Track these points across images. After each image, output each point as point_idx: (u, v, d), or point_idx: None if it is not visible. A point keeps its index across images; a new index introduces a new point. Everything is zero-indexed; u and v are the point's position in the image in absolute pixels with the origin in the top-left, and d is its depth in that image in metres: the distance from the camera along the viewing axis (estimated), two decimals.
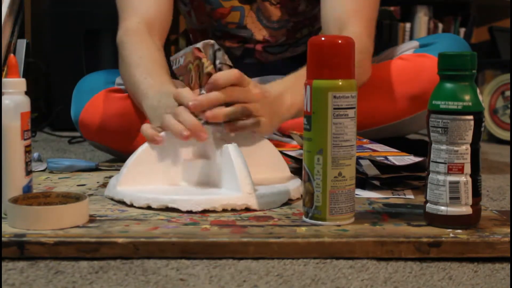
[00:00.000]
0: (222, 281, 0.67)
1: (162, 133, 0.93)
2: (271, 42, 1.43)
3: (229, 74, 0.92)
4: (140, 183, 0.92)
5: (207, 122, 0.93)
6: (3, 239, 0.72)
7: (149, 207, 0.87)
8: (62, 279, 0.66)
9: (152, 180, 0.93)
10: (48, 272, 0.68)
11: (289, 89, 1.03)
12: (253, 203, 0.86)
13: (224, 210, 0.86)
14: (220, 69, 0.94)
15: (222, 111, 0.91)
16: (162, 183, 0.93)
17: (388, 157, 1.03)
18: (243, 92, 0.93)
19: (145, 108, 1.08)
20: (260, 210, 0.87)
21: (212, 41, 0.95)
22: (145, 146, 0.94)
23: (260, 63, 1.46)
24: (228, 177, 0.89)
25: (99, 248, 0.72)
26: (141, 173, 0.93)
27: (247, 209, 0.86)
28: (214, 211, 0.85)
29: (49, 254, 0.72)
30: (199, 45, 0.95)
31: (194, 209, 0.85)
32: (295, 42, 1.46)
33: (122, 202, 0.90)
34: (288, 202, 0.92)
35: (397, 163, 1.01)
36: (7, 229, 0.76)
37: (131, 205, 0.88)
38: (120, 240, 0.73)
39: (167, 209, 0.86)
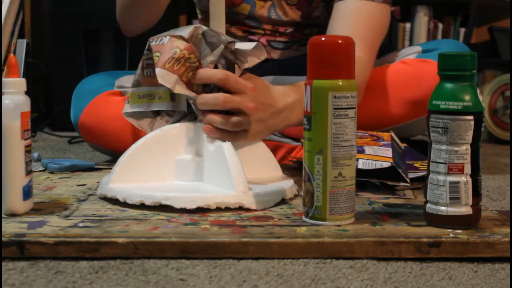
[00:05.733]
0: (222, 281, 0.67)
1: (162, 128, 0.94)
2: (277, 34, 1.43)
3: (214, 74, 0.93)
4: (133, 180, 0.92)
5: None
6: (3, 239, 0.72)
7: (142, 204, 0.87)
8: (62, 279, 0.66)
9: (145, 177, 0.93)
10: (48, 272, 0.68)
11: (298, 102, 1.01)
12: (247, 201, 0.86)
13: (218, 208, 0.86)
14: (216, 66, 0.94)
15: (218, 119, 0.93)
16: (155, 180, 0.93)
17: (360, 159, 1.01)
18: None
19: None
20: (254, 209, 0.87)
21: (201, 30, 0.94)
22: (138, 144, 0.94)
23: (265, 60, 1.46)
24: (222, 175, 0.89)
25: (99, 248, 0.72)
26: (134, 171, 0.93)
27: (241, 208, 0.86)
28: (209, 210, 0.85)
29: (49, 254, 0.72)
30: (187, 34, 0.94)
31: (188, 207, 0.85)
32: (302, 40, 1.45)
33: (114, 200, 0.90)
34: (285, 202, 0.92)
35: (360, 166, 1.00)
36: (7, 229, 0.76)
37: (124, 203, 0.88)
38: (120, 240, 0.73)
39: (164, 207, 0.86)
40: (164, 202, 0.86)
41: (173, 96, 0.98)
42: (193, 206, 0.85)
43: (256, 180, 0.94)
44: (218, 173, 0.90)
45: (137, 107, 0.98)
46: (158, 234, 0.75)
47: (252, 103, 0.93)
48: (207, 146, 0.93)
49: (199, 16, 1.54)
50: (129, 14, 1.28)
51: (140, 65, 0.98)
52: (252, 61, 0.96)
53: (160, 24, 1.33)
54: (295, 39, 1.44)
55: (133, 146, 0.94)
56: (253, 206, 0.87)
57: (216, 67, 0.94)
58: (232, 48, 0.94)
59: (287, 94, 1.01)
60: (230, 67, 0.94)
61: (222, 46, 0.93)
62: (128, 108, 0.99)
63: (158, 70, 0.93)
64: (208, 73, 0.93)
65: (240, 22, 1.42)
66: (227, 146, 0.90)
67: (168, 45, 0.94)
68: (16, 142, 0.81)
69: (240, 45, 0.94)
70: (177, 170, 0.95)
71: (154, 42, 0.96)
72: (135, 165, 0.93)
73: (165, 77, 0.92)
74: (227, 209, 0.86)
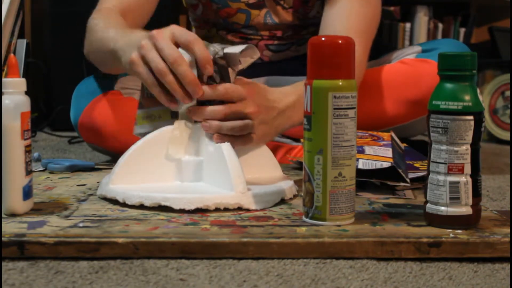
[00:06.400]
0: (222, 281, 0.67)
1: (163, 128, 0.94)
2: (275, 38, 1.43)
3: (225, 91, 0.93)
4: (132, 181, 0.92)
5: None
6: (3, 239, 0.72)
7: (141, 205, 0.87)
8: (62, 279, 0.66)
9: (145, 178, 0.93)
10: (48, 272, 0.68)
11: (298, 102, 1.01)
12: (245, 202, 0.86)
13: (218, 209, 0.86)
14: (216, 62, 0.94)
15: (219, 125, 0.92)
16: (155, 181, 0.93)
17: (360, 159, 1.01)
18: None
19: (119, 46, 1.02)
20: (253, 210, 0.86)
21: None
22: (137, 145, 0.94)
23: (262, 62, 1.46)
24: (221, 176, 0.89)
25: (99, 248, 0.72)
26: (134, 171, 0.93)
27: (240, 209, 0.86)
28: (209, 210, 0.85)
29: (49, 254, 0.72)
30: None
31: (186, 207, 0.85)
32: (299, 40, 1.45)
33: (114, 200, 0.90)
34: (284, 202, 0.92)
35: (360, 166, 1.00)
36: (7, 229, 0.76)
37: (124, 203, 0.88)
38: (120, 240, 0.73)
39: (164, 207, 0.85)
40: (163, 203, 0.86)
41: (173, 114, 0.98)
42: (192, 207, 0.85)
43: (256, 180, 0.94)
44: (217, 173, 0.90)
45: (142, 128, 0.99)
46: (158, 234, 0.75)
47: (252, 107, 0.93)
48: (206, 146, 0.93)
49: (193, 24, 1.54)
50: (96, 60, 1.25)
51: (141, 86, 0.98)
52: (246, 62, 0.96)
53: (161, 25, 1.33)
54: (293, 40, 1.44)
55: (133, 147, 0.94)
56: (252, 207, 0.87)
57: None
58: (221, 54, 0.93)
59: (287, 94, 1.01)
60: (223, 71, 0.94)
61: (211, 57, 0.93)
62: (136, 129, 1.00)
63: None
64: (209, 92, 0.93)
65: (237, 30, 1.42)
66: (226, 147, 0.90)
67: None
68: (16, 142, 0.81)
69: (229, 49, 0.94)
70: (177, 171, 0.95)
71: None
72: (135, 166, 0.93)
73: None
74: (227, 209, 0.86)
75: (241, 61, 0.94)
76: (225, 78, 0.93)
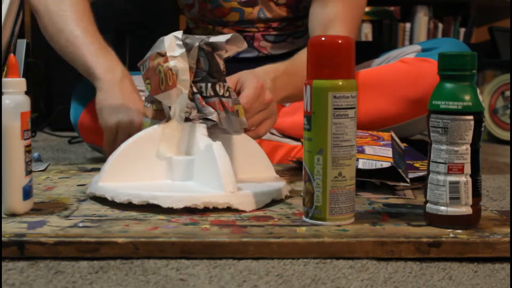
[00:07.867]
0: (222, 281, 0.67)
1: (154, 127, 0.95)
2: (271, 29, 1.44)
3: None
4: (122, 179, 0.92)
5: (188, 119, 0.95)
6: (3, 239, 0.72)
7: (130, 203, 0.86)
8: (62, 279, 0.66)
9: (135, 176, 0.92)
10: (48, 272, 0.68)
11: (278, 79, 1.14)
12: (235, 202, 0.85)
13: (216, 208, 0.85)
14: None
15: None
16: (145, 179, 0.93)
17: (360, 159, 1.01)
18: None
19: (99, 97, 1.15)
20: (242, 210, 0.85)
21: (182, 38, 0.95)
22: (128, 142, 0.94)
23: (258, 57, 1.46)
24: (211, 175, 0.88)
25: (99, 248, 0.72)
26: (124, 169, 0.92)
27: (229, 208, 0.85)
28: (209, 210, 0.85)
29: (49, 254, 0.72)
30: (164, 48, 0.95)
31: (175, 206, 0.84)
32: (296, 32, 1.46)
33: (103, 198, 0.89)
34: (278, 202, 0.91)
35: (360, 166, 0.99)
36: (7, 229, 0.76)
37: (112, 201, 0.88)
38: (120, 240, 0.73)
39: (164, 208, 0.85)
40: (151, 201, 0.85)
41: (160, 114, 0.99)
42: (180, 205, 0.84)
43: (247, 180, 0.93)
44: (207, 172, 0.89)
45: None
46: (158, 234, 0.75)
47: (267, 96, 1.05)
48: (197, 145, 0.92)
49: (190, 25, 1.54)
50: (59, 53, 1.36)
51: (148, 99, 0.99)
52: (232, 50, 0.96)
53: (162, 24, 1.33)
54: (289, 32, 1.46)
55: (123, 145, 0.94)
56: (241, 207, 0.86)
57: (198, 60, 0.94)
58: (206, 41, 0.94)
59: (268, 72, 1.15)
60: (209, 57, 0.94)
61: (196, 45, 0.93)
62: None
63: (158, 97, 0.95)
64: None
65: (233, 25, 1.44)
66: (216, 145, 0.89)
67: (151, 68, 0.95)
68: (16, 142, 0.81)
69: (215, 38, 0.94)
70: (167, 169, 0.94)
71: (142, 70, 0.97)
72: (125, 164, 0.93)
73: (168, 98, 0.94)
74: (217, 208, 0.85)
75: (227, 49, 0.95)
76: (212, 65, 0.94)
